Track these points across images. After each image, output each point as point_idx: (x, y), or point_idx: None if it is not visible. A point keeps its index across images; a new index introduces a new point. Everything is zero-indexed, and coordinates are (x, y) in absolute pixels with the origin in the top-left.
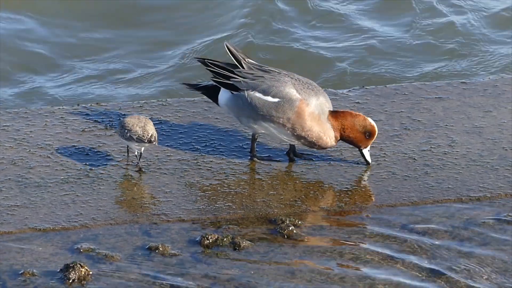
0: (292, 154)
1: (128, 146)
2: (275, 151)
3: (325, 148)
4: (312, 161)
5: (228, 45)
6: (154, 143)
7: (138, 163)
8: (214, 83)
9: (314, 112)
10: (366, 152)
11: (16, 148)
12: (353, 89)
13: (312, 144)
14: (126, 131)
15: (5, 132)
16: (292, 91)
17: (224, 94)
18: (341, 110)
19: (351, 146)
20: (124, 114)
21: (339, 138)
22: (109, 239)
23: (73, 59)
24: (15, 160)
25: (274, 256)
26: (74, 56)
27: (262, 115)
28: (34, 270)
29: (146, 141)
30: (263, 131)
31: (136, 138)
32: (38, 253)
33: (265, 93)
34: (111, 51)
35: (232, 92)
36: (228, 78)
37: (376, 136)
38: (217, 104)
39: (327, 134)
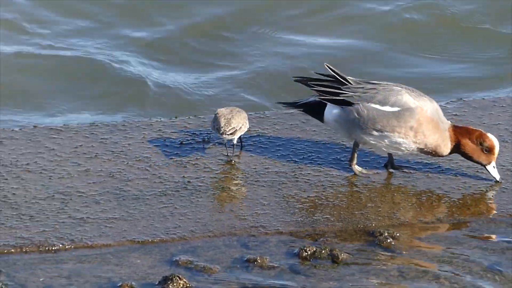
0: (390, 166)
1: (226, 145)
2: (372, 163)
3: (440, 156)
4: (410, 174)
5: (328, 65)
6: (224, 135)
7: (227, 153)
8: (317, 100)
9: (433, 118)
10: (491, 168)
11: (114, 161)
12: (451, 101)
13: (429, 151)
14: (213, 120)
15: (104, 145)
16: (409, 99)
17: (332, 110)
18: (460, 125)
19: (464, 159)
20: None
21: (453, 151)
22: (207, 252)
23: (169, 71)
24: (113, 172)
25: (372, 268)
26: (170, 68)
27: (381, 126)
28: (133, 283)
29: (220, 133)
30: (374, 143)
31: (216, 128)
32: (136, 266)
33: (382, 103)
34: (206, 65)
35: (343, 107)
36: (337, 94)
37: (497, 151)
38: (320, 120)
39: (445, 143)
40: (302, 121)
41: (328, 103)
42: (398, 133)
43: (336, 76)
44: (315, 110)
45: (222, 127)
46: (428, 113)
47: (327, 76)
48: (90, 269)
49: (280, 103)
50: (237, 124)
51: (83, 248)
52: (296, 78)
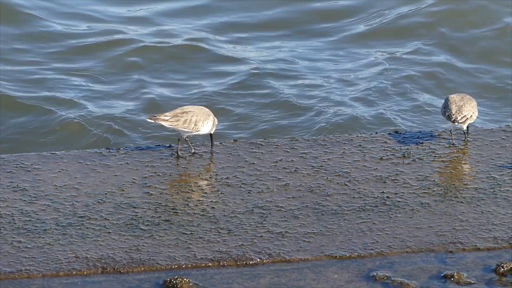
0: None
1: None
2: None
3: None
4: None
5: None
6: (455, 123)
7: (465, 138)
8: None
9: None
10: None
11: (314, 176)
12: None
13: None
14: (444, 106)
15: (303, 160)
16: None
17: None
18: None
19: None
20: (422, 142)
21: None
22: (404, 267)
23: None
24: (312, 187)
25: None
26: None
27: None
28: None
29: (451, 120)
30: None
31: (447, 115)
32: (333, 281)
33: None
34: None
35: None
36: None
37: None
38: None
39: None
40: (502, 137)
41: None
42: None
43: None
44: None
45: (452, 115)
46: None
47: None
48: (287, 283)
49: None
50: (467, 112)
51: (280, 262)
52: None
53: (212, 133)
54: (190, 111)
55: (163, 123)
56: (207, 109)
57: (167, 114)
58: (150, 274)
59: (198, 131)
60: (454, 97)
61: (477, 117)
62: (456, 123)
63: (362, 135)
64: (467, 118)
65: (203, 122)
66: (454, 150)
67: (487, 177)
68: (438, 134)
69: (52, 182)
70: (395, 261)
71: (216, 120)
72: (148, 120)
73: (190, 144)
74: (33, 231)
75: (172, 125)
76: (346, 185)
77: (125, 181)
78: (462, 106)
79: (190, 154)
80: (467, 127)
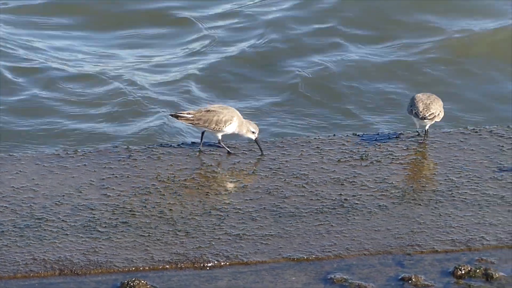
0: None
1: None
2: None
3: None
4: None
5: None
6: (425, 121)
7: (424, 139)
8: None
9: None
10: None
11: (272, 178)
12: None
13: None
14: (410, 105)
15: (261, 162)
16: None
17: None
18: None
19: None
20: (380, 145)
21: None
22: (362, 270)
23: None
24: (270, 189)
25: None
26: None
27: None
28: None
29: (419, 117)
30: None
31: (414, 113)
32: (291, 283)
33: None
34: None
35: None
36: None
37: None
38: None
39: None
40: (460, 140)
41: None
42: None
43: None
44: None
45: (421, 112)
46: None
47: None
48: (245, 286)
49: None
50: (435, 110)
51: (238, 264)
52: None
53: (254, 138)
54: (213, 111)
55: (185, 121)
56: (234, 110)
57: (191, 112)
58: (107, 276)
59: (221, 130)
60: (420, 96)
61: (442, 117)
62: (425, 120)
63: (320, 137)
64: (435, 115)
65: (226, 123)
66: (412, 152)
67: (445, 179)
68: (396, 137)
69: (10, 184)
70: (353, 264)
71: (249, 123)
72: (170, 117)
73: (224, 145)
74: None
75: (193, 124)
76: (304, 187)
77: (82, 183)
78: (429, 104)
79: (197, 151)
80: (427, 129)
